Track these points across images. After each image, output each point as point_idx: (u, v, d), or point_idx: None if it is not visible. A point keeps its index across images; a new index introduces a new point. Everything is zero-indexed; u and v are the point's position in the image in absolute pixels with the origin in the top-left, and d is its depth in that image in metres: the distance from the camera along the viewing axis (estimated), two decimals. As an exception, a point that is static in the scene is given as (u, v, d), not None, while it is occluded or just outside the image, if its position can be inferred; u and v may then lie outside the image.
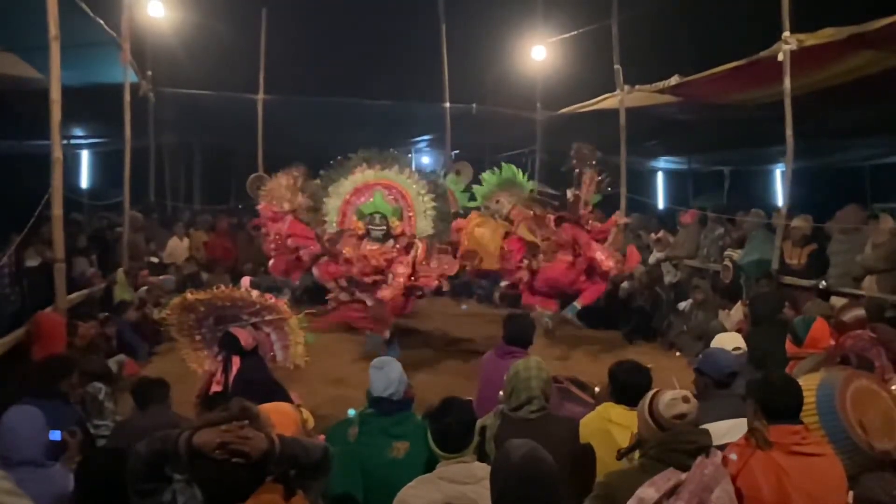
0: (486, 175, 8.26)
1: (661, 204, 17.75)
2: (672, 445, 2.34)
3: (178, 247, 10.49)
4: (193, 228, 11.33)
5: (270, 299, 4.32)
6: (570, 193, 7.21)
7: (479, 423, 2.92)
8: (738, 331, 5.83)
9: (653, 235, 9.76)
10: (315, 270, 7.14)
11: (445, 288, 7.03)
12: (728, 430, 2.91)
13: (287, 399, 3.67)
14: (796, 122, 7.02)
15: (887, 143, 11.92)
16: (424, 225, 5.95)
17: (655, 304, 8.65)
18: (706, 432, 2.42)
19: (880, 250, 6.18)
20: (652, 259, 9.37)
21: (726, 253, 8.05)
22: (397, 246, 5.98)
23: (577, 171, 7.05)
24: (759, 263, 7.28)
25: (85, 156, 16.02)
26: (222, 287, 4.30)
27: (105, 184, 14.52)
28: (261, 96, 11.35)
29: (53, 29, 5.68)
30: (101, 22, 7.29)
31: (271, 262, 8.55)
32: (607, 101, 10.64)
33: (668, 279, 9.08)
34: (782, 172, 11.70)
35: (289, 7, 11.55)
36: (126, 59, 8.74)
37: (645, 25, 10.69)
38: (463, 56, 12.37)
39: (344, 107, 12.01)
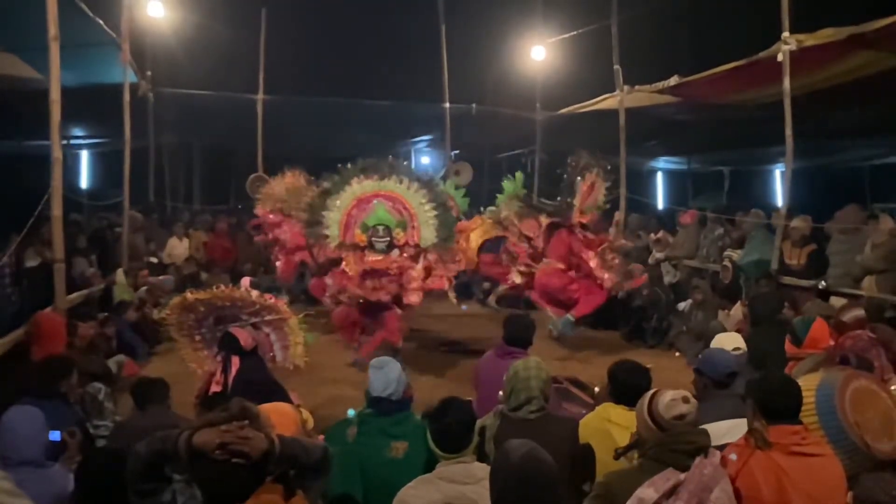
0: (506, 184, 8.31)
1: (660, 204, 17.75)
2: (671, 446, 2.34)
3: (177, 247, 10.49)
4: (193, 229, 11.35)
5: (270, 299, 4.32)
6: (561, 200, 7.21)
7: (478, 423, 2.92)
8: (738, 331, 5.83)
9: (652, 236, 9.77)
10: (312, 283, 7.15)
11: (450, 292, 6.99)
12: (728, 431, 2.91)
13: (286, 399, 3.67)
14: (796, 123, 7.02)
15: (887, 143, 11.92)
16: (428, 234, 5.91)
17: (654, 305, 8.64)
18: (705, 432, 2.42)
19: (880, 250, 6.18)
20: (651, 259, 9.38)
21: (726, 253, 8.05)
22: (404, 255, 5.93)
23: (572, 180, 7.02)
24: (758, 264, 7.28)
25: (85, 156, 16.00)
26: (222, 287, 4.30)
27: (105, 184, 14.52)
28: (260, 96, 11.34)
29: (53, 29, 5.68)
30: (101, 22, 7.29)
31: (279, 265, 8.57)
32: (607, 102, 10.64)
33: (667, 279, 9.08)
34: (782, 173, 11.71)
35: (289, 7, 11.55)
36: (126, 60, 8.74)
37: (645, 25, 10.70)
38: (463, 56, 12.37)
39: (344, 107, 12.01)
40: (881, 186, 13.80)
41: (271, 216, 8.90)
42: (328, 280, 6.10)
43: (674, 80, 8.48)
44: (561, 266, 7.07)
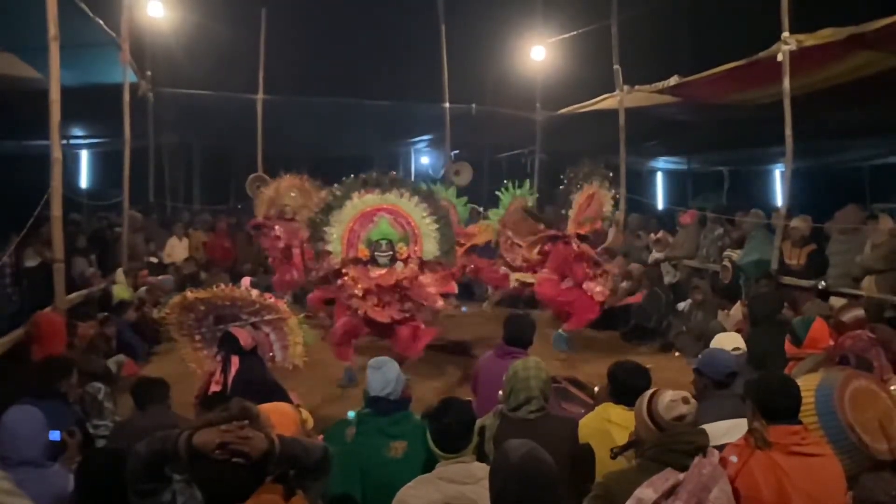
0: (504, 195, 8.35)
1: (660, 204, 17.76)
2: (670, 446, 2.34)
3: (177, 247, 10.50)
4: (193, 228, 11.35)
5: (270, 299, 4.32)
6: (555, 211, 7.22)
7: (478, 423, 2.92)
8: (738, 331, 5.83)
9: (652, 236, 9.77)
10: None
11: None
12: (727, 431, 2.91)
13: (286, 399, 3.67)
14: (796, 123, 7.02)
15: (887, 143, 11.92)
16: (430, 247, 5.89)
17: (654, 305, 8.65)
18: (703, 432, 2.42)
19: (879, 250, 6.18)
20: (651, 259, 9.38)
21: (725, 253, 8.05)
22: (409, 266, 5.91)
23: (569, 191, 7.02)
24: (758, 264, 7.28)
25: (84, 156, 16.01)
26: (222, 286, 4.30)
27: (104, 184, 14.52)
28: (260, 96, 11.34)
29: (53, 29, 5.68)
30: (101, 22, 7.29)
31: (274, 279, 8.57)
32: (607, 102, 10.65)
33: (667, 279, 9.08)
34: (782, 173, 11.72)
35: (288, 7, 11.55)
36: (125, 60, 8.74)
37: (645, 25, 10.71)
38: (463, 56, 12.37)
39: (344, 107, 12.01)
40: (881, 186, 13.79)
41: (270, 223, 8.89)
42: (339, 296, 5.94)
43: (674, 80, 8.48)
44: (555, 277, 7.07)
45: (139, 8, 9.54)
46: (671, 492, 2.15)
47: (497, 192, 8.81)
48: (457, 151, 13.97)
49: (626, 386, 3.13)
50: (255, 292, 4.31)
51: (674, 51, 10.66)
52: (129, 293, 7.86)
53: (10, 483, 2.26)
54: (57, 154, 5.80)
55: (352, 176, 6.05)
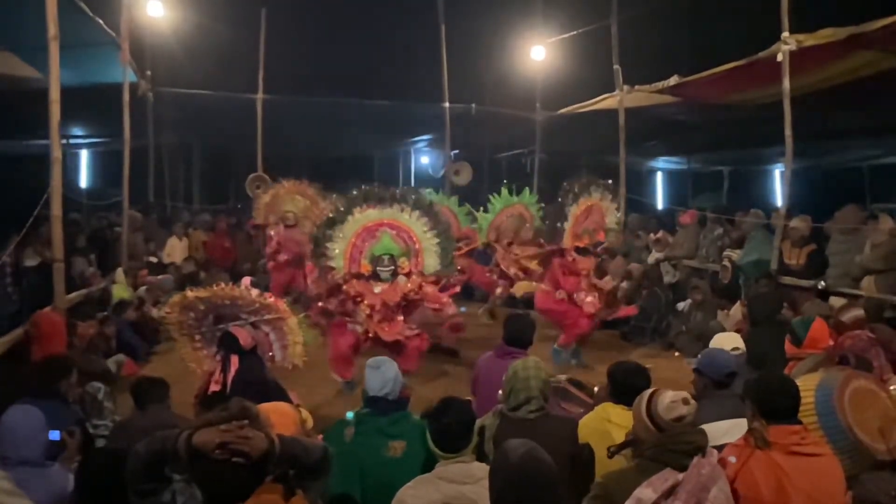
0: (496, 200, 8.41)
1: (660, 204, 17.76)
2: (669, 446, 2.34)
3: (177, 247, 10.50)
4: (192, 228, 11.35)
5: (269, 298, 4.32)
6: (549, 224, 7.23)
7: (478, 423, 2.92)
8: (737, 331, 5.83)
9: (652, 235, 9.77)
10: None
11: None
12: (727, 430, 2.91)
13: (286, 399, 3.67)
14: (796, 123, 7.02)
15: (886, 143, 11.91)
16: (431, 262, 5.90)
17: (653, 304, 8.65)
18: (702, 432, 2.42)
19: (879, 250, 6.19)
20: (651, 259, 9.38)
21: (725, 253, 8.05)
22: (412, 279, 5.91)
23: (564, 205, 7.02)
24: (758, 264, 7.28)
25: (84, 156, 16.02)
26: (222, 285, 4.30)
27: (104, 184, 14.53)
28: (260, 96, 11.34)
29: (53, 29, 5.68)
30: (101, 22, 7.29)
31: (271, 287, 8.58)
32: (607, 102, 10.65)
33: (667, 279, 9.09)
34: (781, 173, 11.72)
35: (288, 7, 11.54)
36: (125, 59, 8.73)
37: (645, 25, 10.69)
38: (462, 56, 12.36)
39: (344, 107, 12.01)
40: (881, 186, 13.78)
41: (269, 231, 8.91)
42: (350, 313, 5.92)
43: (674, 80, 8.48)
44: (550, 289, 7.08)
45: (139, 8, 9.54)
46: (670, 492, 2.15)
47: (495, 195, 8.86)
48: (457, 151, 13.97)
49: (626, 386, 3.13)
50: (255, 291, 4.31)
51: (674, 51, 10.63)
52: (128, 293, 7.86)
53: (10, 483, 2.26)
54: (57, 154, 5.80)
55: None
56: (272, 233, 8.86)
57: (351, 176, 17.41)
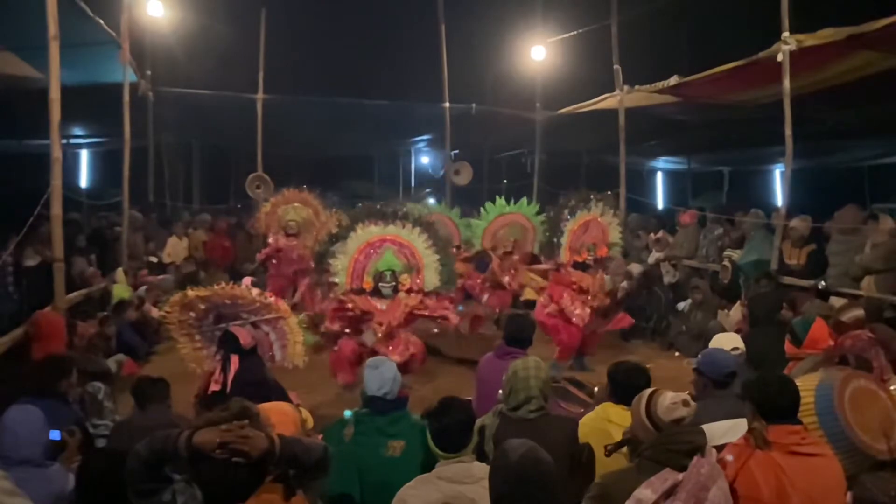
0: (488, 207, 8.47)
1: (660, 204, 17.76)
2: (668, 446, 2.33)
3: (177, 246, 10.50)
4: (192, 228, 11.36)
5: (270, 298, 4.33)
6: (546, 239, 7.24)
7: (477, 422, 2.92)
8: (737, 331, 5.84)
9: (652, 235, 9.77)
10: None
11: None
12: (727, 430, 2.91)
13: (286, 398, 3.67)
14: (795, 123, 7.02)
15: (886, 143, 11.92)
16: (432, 278, 5.92)
17: (653, 304, 8.65)
18: (701, 432, 2.42)
19: (879, 250, 6.19)
20: (651, 259, 9.38)
21: (725, 253, 8.06)
22: (413, 295, 5.93)
23: (559, 219, 7.03)
24: (757, 264, 7.28)
25: (84, 155, 16.00)
26: (222, 284, 4.31)
27: (104, 183, 14.51)
28: (260, 96, 11.34)
29: (53, 28, 5.68)
30: (101, 21, 7.28)
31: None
32: (606, 102, 10.64)
33: (667, 279, 9.09)
34: (781, 173, 11.72)
35: (288, 7, 11.55)
36: (125, 59, 8.73)
37: (645, 25, 10.70)
38: (463, 56, 12.37)
39: (343, 107, 12.01)
40: (881, 186, 13.79)
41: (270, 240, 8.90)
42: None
43: (674, 80, 8.48)
44: (545, 301, 7.09)
45: (139, 7, 9.54)
46: (670, 492, 2.15)
47: (489, 203, 8.88)
48: (457, 151, 13.97)
49: (626, 386, 3.12)
50: (255, 291, 4.32)
51: (674, 51, 10.65)
52: (128, 293, 7.86)
53: (10, 483, 2.26)
54: (57, 153, 5.80)
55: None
56: (272, 240, 8.83)
57: (351, 176, 17.46)
